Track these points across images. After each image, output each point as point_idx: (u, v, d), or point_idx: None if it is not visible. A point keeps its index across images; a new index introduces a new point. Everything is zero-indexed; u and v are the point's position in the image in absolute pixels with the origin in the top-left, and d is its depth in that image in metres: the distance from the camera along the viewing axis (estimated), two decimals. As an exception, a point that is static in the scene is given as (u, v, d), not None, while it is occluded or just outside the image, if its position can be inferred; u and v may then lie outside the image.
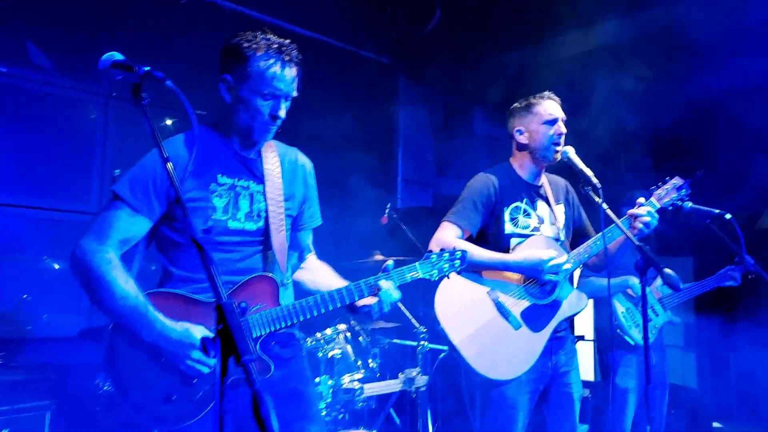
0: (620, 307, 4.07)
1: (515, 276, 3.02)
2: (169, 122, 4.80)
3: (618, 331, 4.01)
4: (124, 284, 2.10)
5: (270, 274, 2.30)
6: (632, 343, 3.98)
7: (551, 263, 2.92)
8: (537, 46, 5.73)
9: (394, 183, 6.39)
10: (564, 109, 3.20)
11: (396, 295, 2.35)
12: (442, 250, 2.47)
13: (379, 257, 4.21)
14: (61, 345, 4.02)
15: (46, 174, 4.38)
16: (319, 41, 5.91)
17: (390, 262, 2.36)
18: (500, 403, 2.92)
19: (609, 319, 4.06)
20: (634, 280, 4.01)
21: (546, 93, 3.22)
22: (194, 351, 2.09)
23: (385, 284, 2.33)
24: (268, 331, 2.24)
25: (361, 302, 2.35)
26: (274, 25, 5.52)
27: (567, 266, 2.98)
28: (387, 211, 4.81)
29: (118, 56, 1.73)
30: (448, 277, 2.47)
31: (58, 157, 4.42)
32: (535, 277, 2.98)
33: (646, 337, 2.59)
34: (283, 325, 2.25)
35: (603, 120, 5.16)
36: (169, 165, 1.63)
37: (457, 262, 2.46)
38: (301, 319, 2.27)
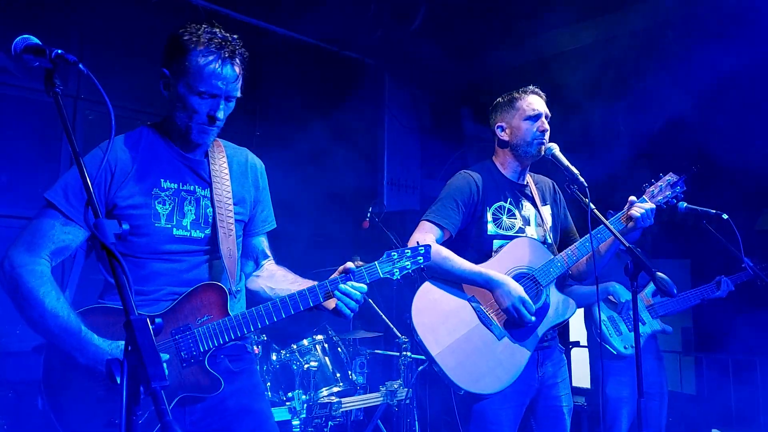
0: (601, 315, 3.84)
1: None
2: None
3: (598, 340, 3.78)
4: (55, 301, 1.91)
5: (218, 283, 2.12)
6: (614, 352, 3.76)
7: (519, 307, 2.67)
8: (526, 43, 5.57)
9: (380, 186, 6.21)
10: (550, 106, 3.00)
11: (358, 292, 2.18)
12: (404, 246, 2.31)
13: (359, 263, 4.00)
14: (26, 359, 3.79)
15: (11, 180, 4.17)
16: (302, 42, 5.75)
17: (351, 264, 2.20)
18: (482, 419, 2.71)
19: (591, 328, 3.84)
20: (616, 286, 3.79)
21: (530, 87, 3.02)
22: None
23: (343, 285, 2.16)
24: (216, 344, 2.05)
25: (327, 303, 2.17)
26: (254, 25, 5.36)
27: (531, 316, 2.71)
28: (368, 215, 4.62)
29: (33, 39, 1.53)
30: (412, 275, 2.29)
31: (23, 162, 4.21)
32: (497, 302, 2.74)
33: (638, 346, 2.40)
34: (232, 337, 2.07)
35: (596, 118, 5.01)
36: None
37: (420, 258, 2.27)
38: (252, 329, 2.10)
